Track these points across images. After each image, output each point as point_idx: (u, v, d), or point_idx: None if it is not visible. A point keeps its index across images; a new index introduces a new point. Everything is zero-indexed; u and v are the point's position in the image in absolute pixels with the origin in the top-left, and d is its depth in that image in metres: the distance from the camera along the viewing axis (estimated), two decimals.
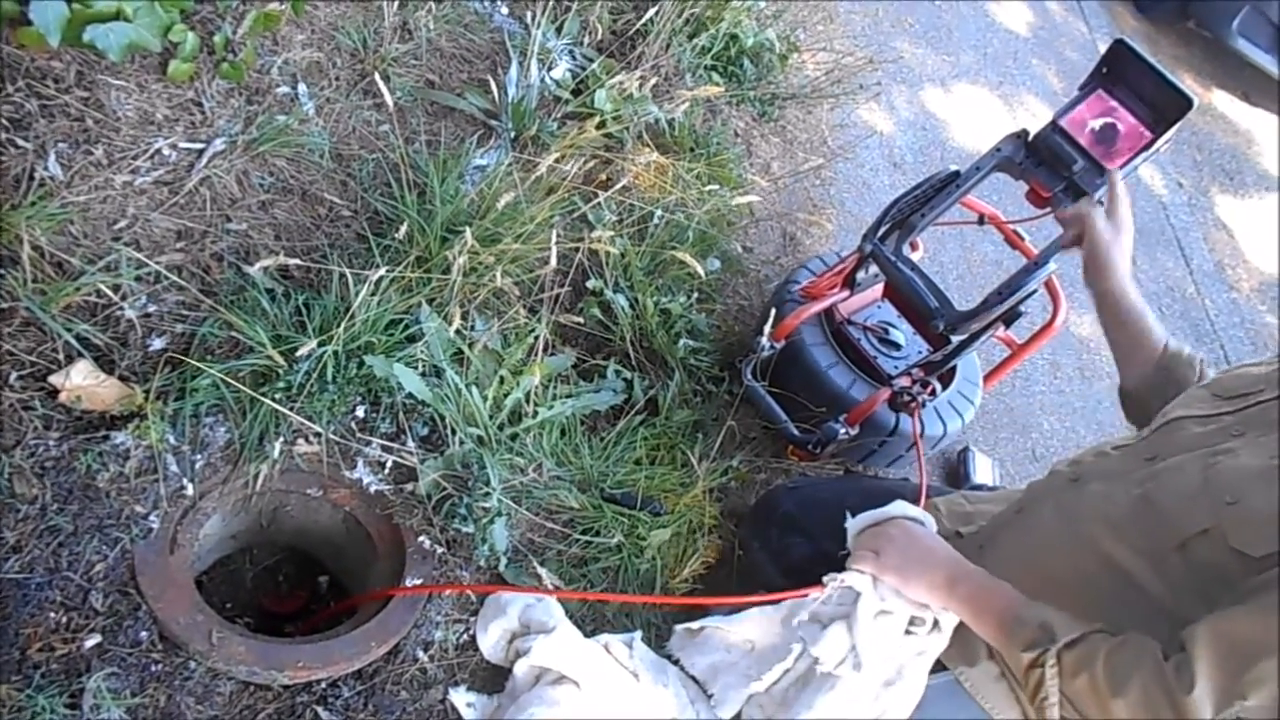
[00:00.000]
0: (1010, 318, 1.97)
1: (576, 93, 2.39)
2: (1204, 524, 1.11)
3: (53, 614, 1.36)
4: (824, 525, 1.68)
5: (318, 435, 1.67)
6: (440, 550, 1.70)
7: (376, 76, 1.81)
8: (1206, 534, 1.11)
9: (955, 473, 2.69)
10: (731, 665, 1.45)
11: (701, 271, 2.11)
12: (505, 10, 2.51)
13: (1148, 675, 1.04)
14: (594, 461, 1.92)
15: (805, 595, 1.35)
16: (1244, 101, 5.45)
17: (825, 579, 1.34)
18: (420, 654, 1.62)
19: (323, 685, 1.52)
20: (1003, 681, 1.31)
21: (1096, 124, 1.79)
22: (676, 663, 1.61)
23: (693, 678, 1.56)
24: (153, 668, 1.39)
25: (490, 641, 1.63)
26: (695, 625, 1.55)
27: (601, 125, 2.28)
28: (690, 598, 1.87)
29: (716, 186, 2.46)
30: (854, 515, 1.39)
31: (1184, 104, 1.68)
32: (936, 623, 1.29)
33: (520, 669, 1.58)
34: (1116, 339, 1.56)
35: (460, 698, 1.59)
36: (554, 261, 1.79)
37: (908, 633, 1.30)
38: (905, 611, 1.29)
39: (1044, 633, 1.13)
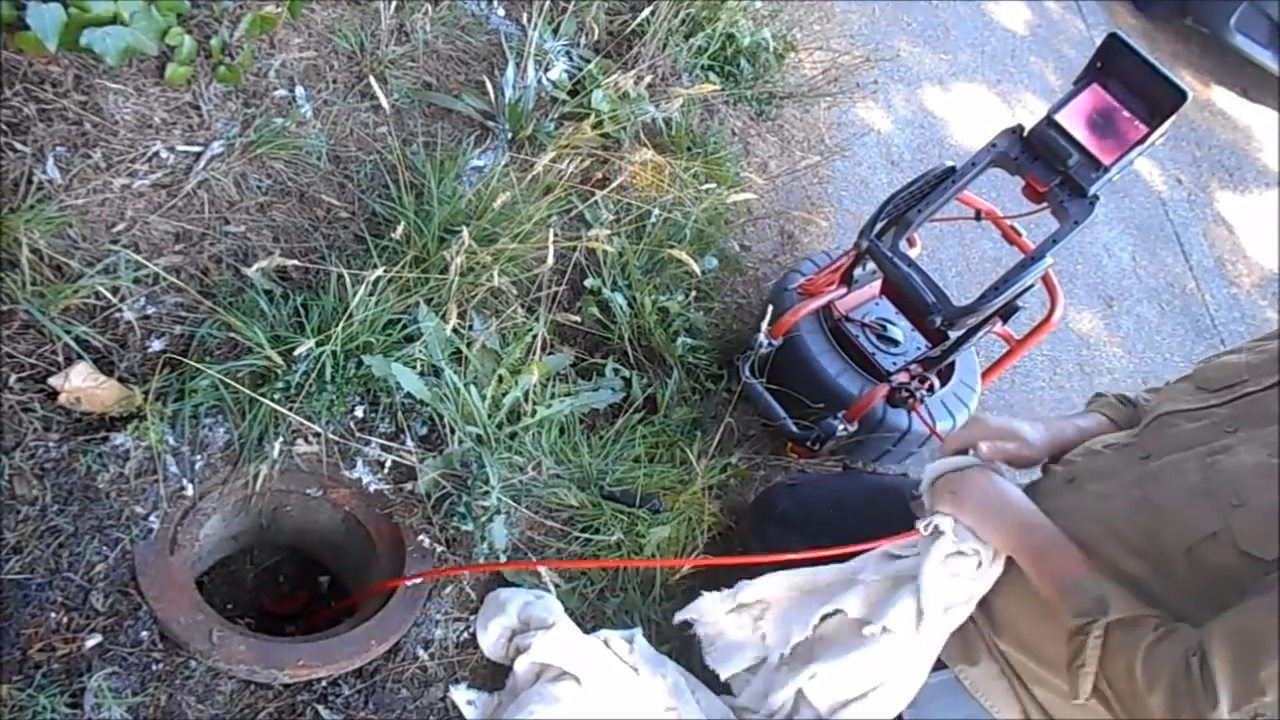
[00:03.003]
0: (1008, 313, 1.98)
1: (573, 93, 2.39)
2: (1212, 527, 1.10)
3: (53, 614, 1.37)
4: (821, 523, 1.69)
5: (317, 435, 1.67)
6: (440, 549, 1.70)
7: (371, 79, 1.82)
8: (1214, 537, 1.09)
9: None
10: (740, 627, 1.45)
11: (699, 270, 2.11)
12: (502, 12, 2.52)
13: (1177, 677, 1.04)
14: (593, 459, 1.92)
15: (903, 540, 1.35)
16: (1243, 98, 5.45)
17: (918, 524, 1.34)
18: (420, 652, 1.62)
19: (323, 684, 1.52)
20: (1003, 680, 1.30)
21: (1091, 118, 1.80)
22: (675, 656, 1.60)
23: (697, 659, 1.54)
24: (153, 667, 1.40)
25: (490, 639, 1.64)
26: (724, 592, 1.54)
27: (598, 125, 2.29)
28: (736, 558, 1.81)
29: (714, 185, 2.46)
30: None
31: (1178, 97, 1.68)
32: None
33: (521, 666, 1.58)
34: None
35: (461, 695, 1.59)
36: (551, 260, 1.79)
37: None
38: (978, 554, 1.29)
39: (1098, 604, 1.13)
